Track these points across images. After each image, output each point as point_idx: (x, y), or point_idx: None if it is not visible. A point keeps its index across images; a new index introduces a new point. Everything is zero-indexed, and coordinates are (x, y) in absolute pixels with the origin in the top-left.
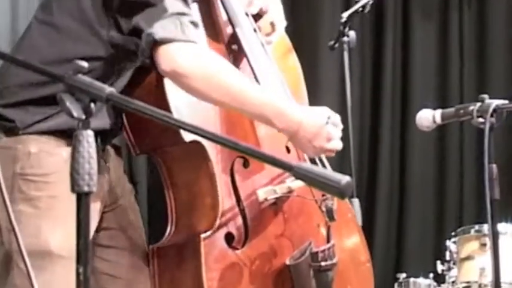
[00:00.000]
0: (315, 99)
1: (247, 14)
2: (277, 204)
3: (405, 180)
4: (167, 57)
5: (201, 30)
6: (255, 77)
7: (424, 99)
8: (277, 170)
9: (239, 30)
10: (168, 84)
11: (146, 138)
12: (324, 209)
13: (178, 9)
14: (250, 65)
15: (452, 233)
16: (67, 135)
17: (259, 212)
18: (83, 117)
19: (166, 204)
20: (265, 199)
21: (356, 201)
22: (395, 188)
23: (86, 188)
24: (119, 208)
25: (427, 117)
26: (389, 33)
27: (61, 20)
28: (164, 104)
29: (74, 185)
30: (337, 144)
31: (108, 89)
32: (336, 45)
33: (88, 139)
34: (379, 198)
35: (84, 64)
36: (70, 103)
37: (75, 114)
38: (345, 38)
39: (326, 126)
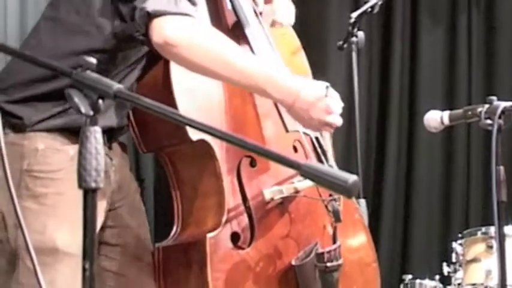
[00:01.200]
0: None
1: (255, 11)
2: (284, 204)
3: (412, 181)
4: (158, 29)
5: (205, 13)
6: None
7: (432, 100)
8: (284, 170)
9: (247, 28)
10: (176, 83)
11: (153, 137)
12: (330, 209)
13: None
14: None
15: (459, 235)
16: (75, 132)
17: (265, 212)
18: (91, 113)
19: (173, 203)
20: (272, 199)
21: (363, 202)
22: (402, 188)
23: (93, 184)
24: (125, 207)
25: (435, 118)
26: (398, 34)
27: (66, 15)
28: (171, 104)
29: (81, 181)
30: (337, 119)
31: (116, 86)
32: (345, 45)
33: (95, 135)
34: (385, 199)
35: (92, 60)
36: (78, 99)
37: (83, 110)
38: (354, 39)
39: (325, 99)
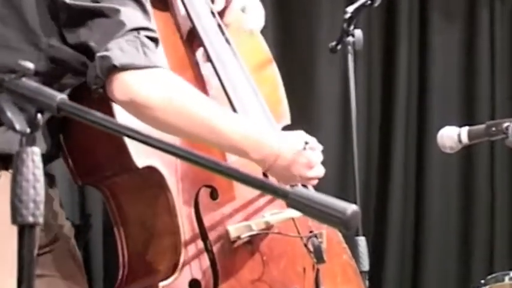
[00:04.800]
0: (311, 114)
1: (213, 13)
2: (253, 243)
3: (423, 213)
4: (125, 85)
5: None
6: (225, 91)
7: (446, 114)
8: (252, 202)
9: (203, 34)
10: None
11: (90, 165)
12: (311, 248)
13: (137, 24)
14: (217, 75)
15: (482, 281)
16: (7, 156)
17: (230, 253)
18: (28, 130)
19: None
20: (238, 237)
21: (362, 240)
22: (410, 223)
23: (30, 219)
24: (56, 252)
25: (451, 136)
26: (404, 33)
27: None
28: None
29: (16, 215)
30: (319, 171)
31: (59, 96)
32: (339, 47)
33: (33, 158)
34: (390, 236)
35: (30, 65)
36: (12, 114)
37: (17, 127)
38: (350, 39)
39: (304, 152)
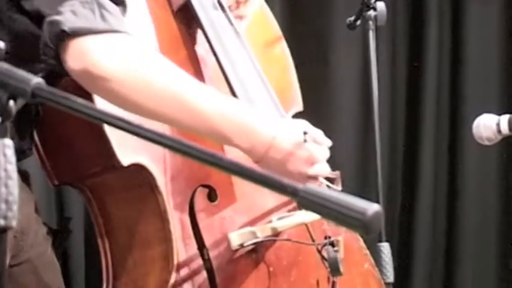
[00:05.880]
0: (326, 101)
1: None
2: (259, 252)
3: (456, 217)
4: (77, 53)
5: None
6: (223, 72)
7: (483, 100)
8: (258, 204)
9: (198, 8)
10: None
11: (67, 163)
12: (326, 257)
13: None
14: (215, 55)
15: None
16: None
17: (232, 264)
18: None
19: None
20: (241, 245)
21: (385, 247)
22: (442, 228)
23: (1, 222)
24: (28, 263)
25: (488, 126)
26: (434, 5)
27: None
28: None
29: None
30: (322, 169)
31: (35, 80)
32: (358, 22)
33: (5, 151)
34: (418, 242)
35: (0, 44)
36: None
37: None
38: (371, 12)
39: (304, 145)
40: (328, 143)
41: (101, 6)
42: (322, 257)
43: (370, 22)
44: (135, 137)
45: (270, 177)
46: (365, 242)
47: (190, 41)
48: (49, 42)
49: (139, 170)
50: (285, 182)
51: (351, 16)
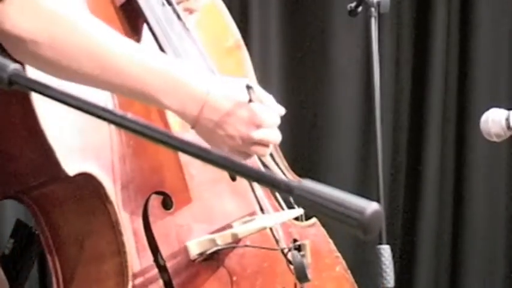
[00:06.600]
0: (326, 92)
1: None
2: (220, 260)
3: (462, 218)
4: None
5: None
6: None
7: (492, 94)
8: (217, 210)
9: (143, 4)
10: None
11: (9, 173)
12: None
13: None
14: (152, 32)
15: None
16: None
17: (191, 274)
18: None
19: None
20: (200, 254)
21: (386, 249)
22: (447, 230)
23: None
24: None
25: (497, 121)
26: None
27: None
28: (36, 127)
29: None
30: (272, 134)
31: (12, 66)
32: (359, 9)
33: None
34: (421, 245)
35: None
36: None
37: None
38: None
39: (247, 104)
40: (281, 110)
41: None
42: (289, 262)
43: (373, 9)
44: (80, 144)
45: (263, 174)
46: (364, 243)
47: (134, 35)
48: None
49: (87, 179)
50: (278, 178)
51: (352, 2)
